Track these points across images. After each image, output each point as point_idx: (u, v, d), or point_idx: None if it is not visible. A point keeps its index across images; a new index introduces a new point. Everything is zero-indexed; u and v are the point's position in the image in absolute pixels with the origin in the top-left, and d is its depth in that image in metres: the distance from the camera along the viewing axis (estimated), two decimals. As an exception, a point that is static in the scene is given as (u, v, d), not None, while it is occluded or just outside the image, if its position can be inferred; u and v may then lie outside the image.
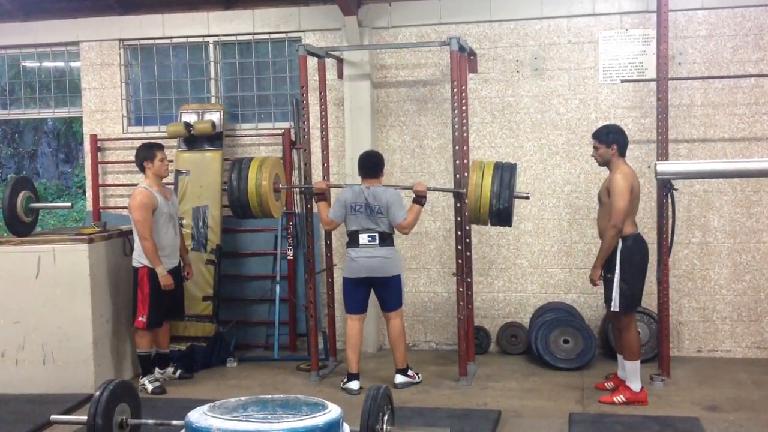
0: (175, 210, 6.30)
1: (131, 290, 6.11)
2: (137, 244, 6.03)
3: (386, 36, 7.13)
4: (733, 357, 6.71)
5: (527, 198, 5.96)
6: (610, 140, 5.49)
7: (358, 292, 5.98)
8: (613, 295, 5.41)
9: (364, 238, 5.85)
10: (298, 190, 7.05)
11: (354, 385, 5.93)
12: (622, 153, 5.53)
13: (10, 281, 6.06)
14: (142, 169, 6.15)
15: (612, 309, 5.46)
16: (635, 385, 5.45)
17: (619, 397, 5.45)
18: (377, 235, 5.84)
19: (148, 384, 6.07)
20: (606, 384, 5.82)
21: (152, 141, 6.43)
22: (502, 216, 5.69)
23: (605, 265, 5.50)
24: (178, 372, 6.42)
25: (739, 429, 5.00)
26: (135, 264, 6.06)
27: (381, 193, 5.86)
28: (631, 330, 5.51)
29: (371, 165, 5.99)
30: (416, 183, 6.04)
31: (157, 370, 6.25)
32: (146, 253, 5.95)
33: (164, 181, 6.29)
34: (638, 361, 5.49)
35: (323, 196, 6.11)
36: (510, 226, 5.87)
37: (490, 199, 5.61)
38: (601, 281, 5.57)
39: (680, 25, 6.66)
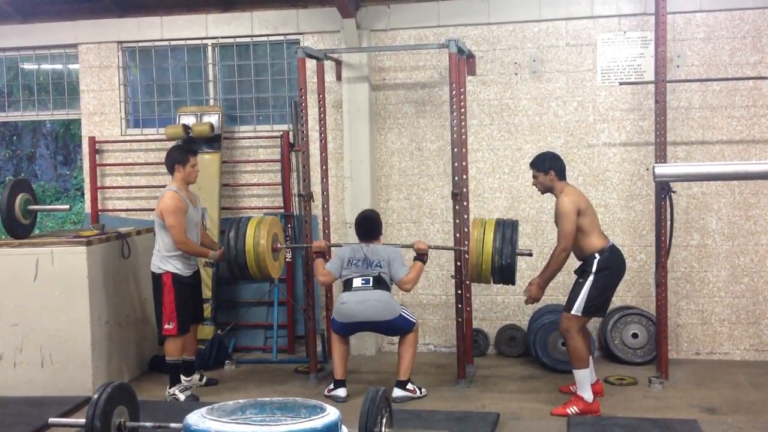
0: (199, 216, 6.09)
1: (133, 293, 5.96)
2: (158, 248, 5.81)
3: (385, 38, 7.14)
4: (731, 359, 6.72)
5: (530, 255, 5.84)
6: (547, 167, 5.49)
7: (343, 329, 5.81)
8: (578, 298, 5.32)
9: (357, 282, 5.72)
10: (296, 195, 7.03)
11: (341, 392, 5.77)
12: (561, 177, 5.52)
13: (8, 283, 6.05)
14: (171, 171, 5.92)
15: (573, 312, 5.33)
16: (587, 395, 5.34)
17: (572, 408, 5.32)
18: (371, 278, 5.71)
19: (179, 394, 5.85)
20: (571, 387, 5.70)
21: (187, 145, 6.36)
22: (504, 273, 5.66)
23: (578, 270, 5.47)
24: (204, 379, 6.26)
25: (737, 431, 4.99)
26: (156, 270, 5.83)
27: (381, 250, 5.82)
28: (578, 336, 5.37)
29: (369, 229, 5.91)
30: (417, 242, 5.95)
31: (182, 377, 6.01)
32: (191, 253, 5.82)
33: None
34: (587, 370, 5.38)
35: (321, 254, 6.00)
36: (513, 284, 5.85)
37: (492, 255, 5.58)
38: (534, 302, 5.66)
39: (678, 28, 6.67)
